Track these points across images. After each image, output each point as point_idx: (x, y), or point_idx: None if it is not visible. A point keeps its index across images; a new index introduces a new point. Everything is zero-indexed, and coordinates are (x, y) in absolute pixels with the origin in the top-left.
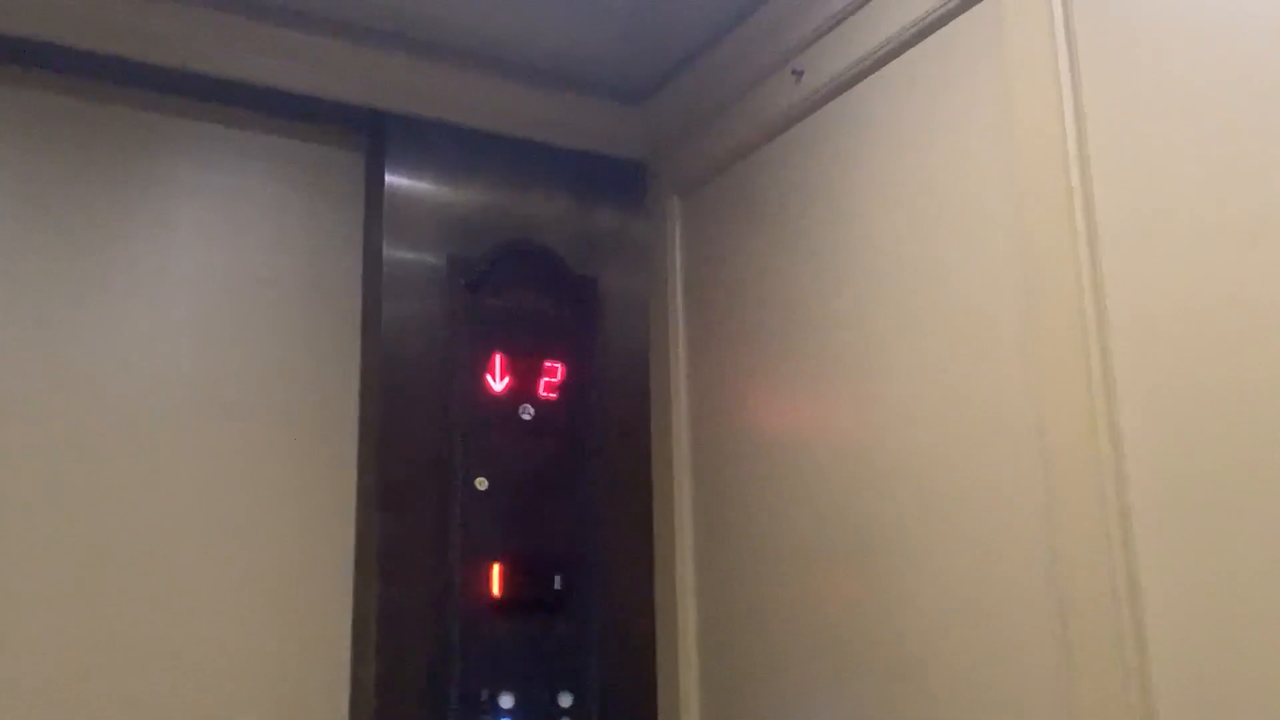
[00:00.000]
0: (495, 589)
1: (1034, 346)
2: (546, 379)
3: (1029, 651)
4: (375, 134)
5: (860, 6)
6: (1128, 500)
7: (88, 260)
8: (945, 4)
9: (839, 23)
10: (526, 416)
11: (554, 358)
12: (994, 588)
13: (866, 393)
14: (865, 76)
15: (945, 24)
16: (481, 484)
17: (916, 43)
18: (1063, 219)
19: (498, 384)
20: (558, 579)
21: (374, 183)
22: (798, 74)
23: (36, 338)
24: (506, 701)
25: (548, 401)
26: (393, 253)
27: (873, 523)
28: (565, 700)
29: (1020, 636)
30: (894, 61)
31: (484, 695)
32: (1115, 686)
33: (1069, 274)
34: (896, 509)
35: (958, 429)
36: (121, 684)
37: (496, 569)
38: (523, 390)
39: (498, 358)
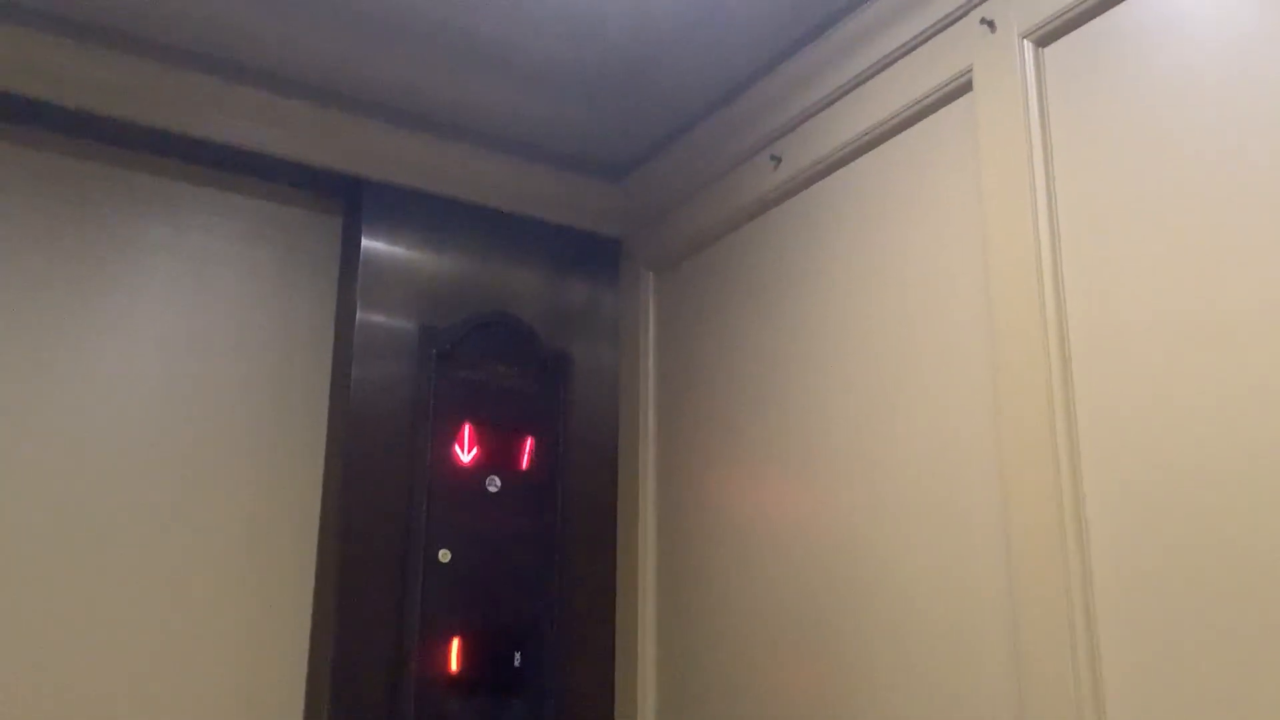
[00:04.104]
0: (453, 664)
1: (1003, 439)
2: (515, 452)
3: None
4: (353, 200)
5: (840, 98)
6: (1092, 597)
7: (57, 315)
8: (923, 99)
9: (818, 112)
10: (493, 489)
11: (523, 431)
12: (957, 678)
13: (834, 480)
14: (842, 165)
15: (923, 118)
16: (445, 556)
17: (894, 135)
18: (1032, 312)
19: (465, 455)
20: (517, 656)
21: (349, 248)
22: (776, 160)
23: (1, 391)
24: None
25: (515, 474)
26: (366, 318)
27: (837, 610)
28: None
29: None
30: (871, 152)
31: None
32: None
33: (1038, 366)
34: (861, 597)
35: (924, 521)
36: None
37: (455, 644)
38: (490, 462)
39: (466, 428)
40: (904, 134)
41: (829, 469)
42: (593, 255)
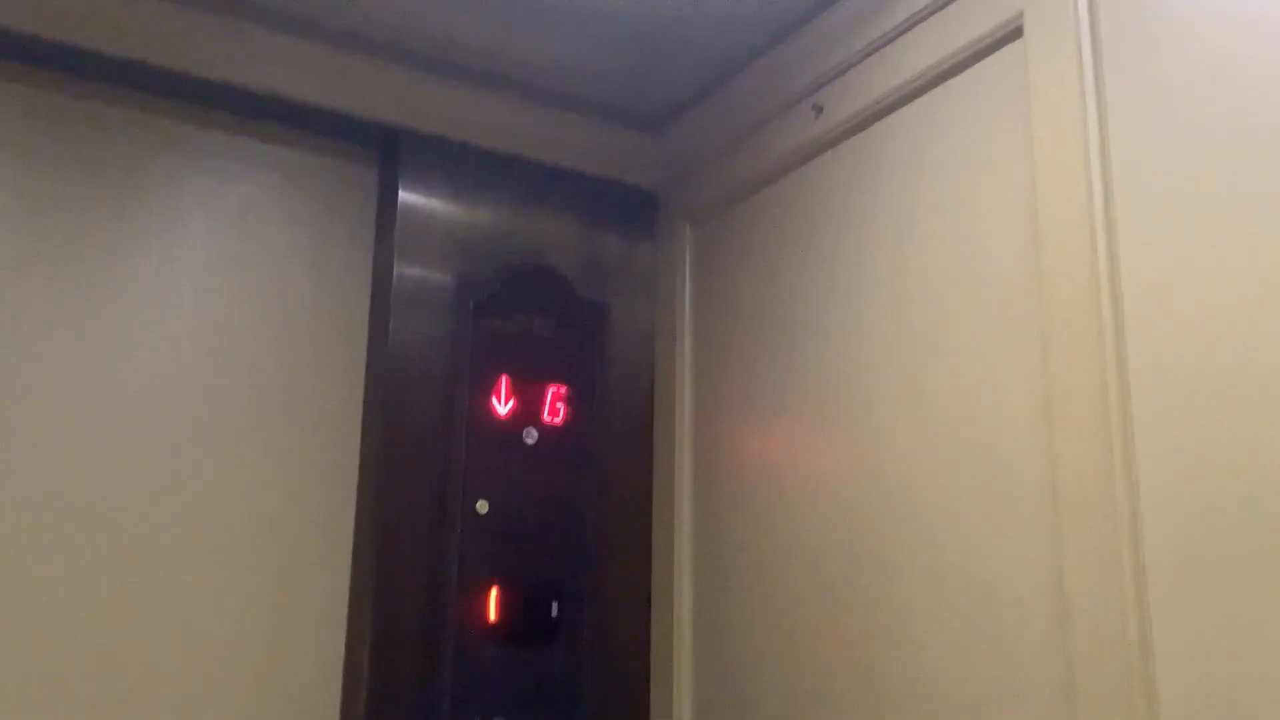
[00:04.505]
0: (491, 614)
1: (1050, 391)
2: (551, 404)
3: (1035, 699)
4: (389, 150)
5: (884, 45)
6: (1142, 552)
7: (96, 263)
8: (970, 46)
9: (862, 60)
10: (530, 441)
11: (560, 383)
12: (999, 634)
13: (875, 431)
14: (886, 114)
15: (970, 65)
16: (482, 507)
17: (940, 83)
18: (1084, 264)
19: (502, 407)
20: (554, 606)
21: (386, 199)
22: (817, 109)
23: (41, 340)
24: None
25: (552, 427)
26: (403, 269)
27: (876, 562)
28: None
29: (1027, 687)
30: (915, 101)
31: None
32: None
33: (1088, 317)
34: (901, 549)
35: (968, 471)
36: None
37: (493, 594)
38: (527, 414)
39: (503, 380)
40: (950, 82)
41: (868, 422)
42: (629, 207)
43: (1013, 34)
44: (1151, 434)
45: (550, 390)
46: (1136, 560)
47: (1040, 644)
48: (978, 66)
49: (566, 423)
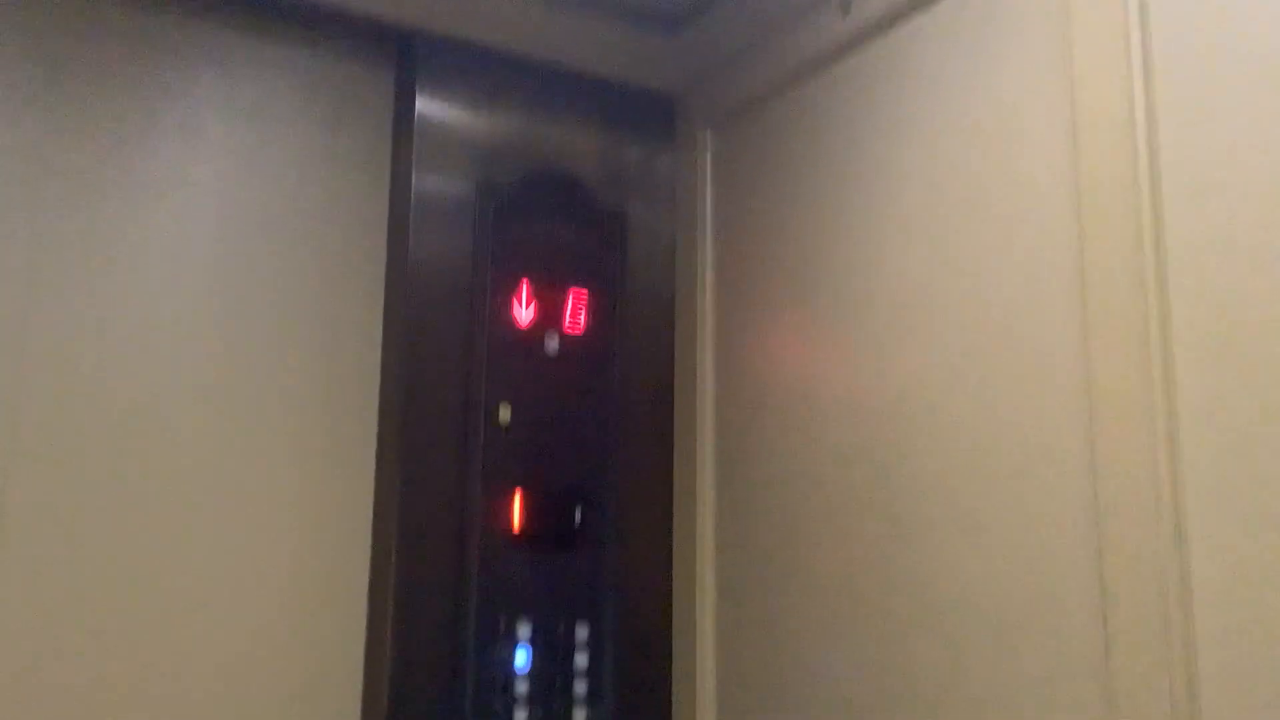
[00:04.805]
0: (515, 521)
1: (1086, 296)
2: (573, 311)
3: (1067, 609)
4: (405, 54)
5: None
6: (1179, 458)
7: (110, 162)
8: None
9: None
10: (551, 349)
11: (581, 290)
12: (1030, 538)
13: (903, 338)
14: (916, 11)
15: None
16: (504, 415)
17: None
18: (1123, 163)
19: (524, 314)
20: (578, 513)
21: (403, 105)
22: (845, 7)
23: (55, 238)
24: (524, 631)
25: (573, 334)
26: (421, 176)
27: (903, 470)
28: (582, 632)
29: (1058, 597)
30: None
31: (501, 624)
32: (1155, 649)
33: (1127, 223)
34: (929, 456)
35: (998, 375)
36: (117, 599)
37: (517, 501)
38: (549, 322)
39: (524, 288)
40: None
41: (895, 329)
42: (649, 113)
43: None
44: (1191, 336)
45: (571, 298)
46: (1173, 465)
47: (1072, 554)
48: None
49: (588, 330)
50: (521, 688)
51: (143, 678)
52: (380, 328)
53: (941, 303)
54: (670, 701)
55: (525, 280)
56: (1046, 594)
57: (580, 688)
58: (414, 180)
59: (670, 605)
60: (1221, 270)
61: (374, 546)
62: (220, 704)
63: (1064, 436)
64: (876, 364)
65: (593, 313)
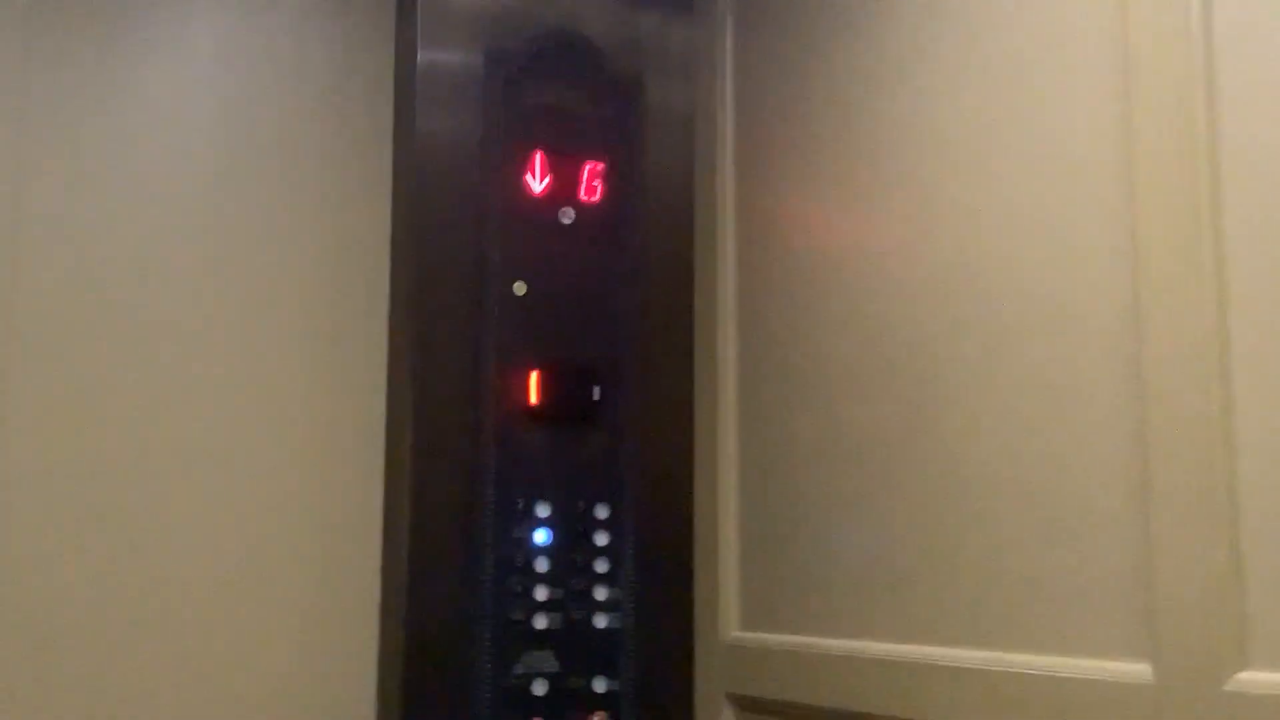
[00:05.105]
0: (531, 398)
1: (1133, 168)
2: (588, 182)
3: (1106, 477)
4: None
5: None
6: (1229, 341)
7: (109, 33)
8: None
9: None
10: (567, 220)
11: (597, 159)
12: (1064, 408)
13: (935, 211)
14: None
15: None
16: (520, 289)
17: None
18: (1178, 50)
19: (537, 185)
20: (596, 389)
21: None
22: None
23: (52, 113)
24: (543, 511)
25: (589, 205)
26: (428, 43)
27: (929, 339)
28: (602, 512)
29: (1096, 463)
30: None
31: (519, 504)
32: (1198, 519)
33: (1175, 72)
34: (958, 331)
35: (1032, 240)
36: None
37: (533, 377)
38: (563, 193)
39: (537, 157)
40: None
41: (926, 202)
42: None
43: None
44: (1241, 221)
45: (587, 168)
46: (1223, 350)
47: (1112, 426)
48: None
49: (604, 202)
50: (541, 566)
51: (156, 542)
52: (389, 204)
53: (981, 172)
54: (693, 577)
55: (538, 152)
56: (1084, 467)
57: (601, 566)
58: (420, 48)
59: (693, 481)
60: (1274, 138)
61: (388, 426)
62: (237, 580)
63: (1106, 307)
64: (906, 238)
65: (610, 184)
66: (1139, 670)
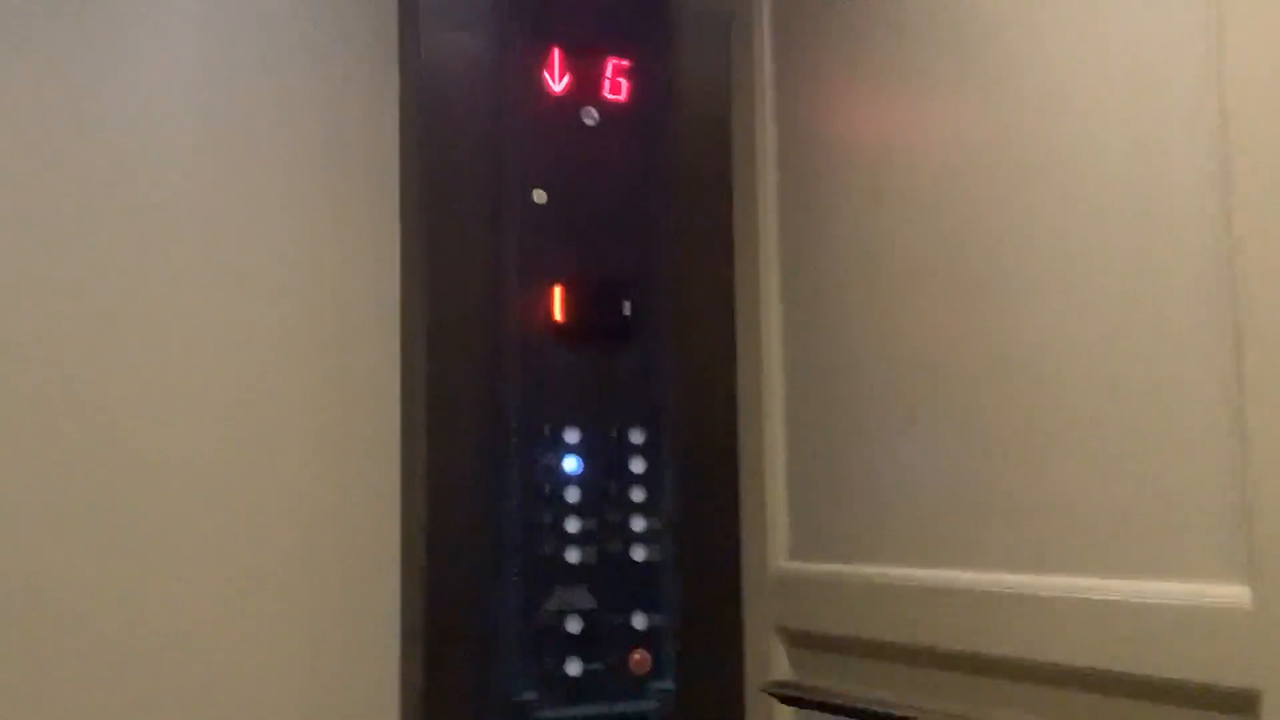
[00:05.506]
0: (556, 314)
1: (1222, 47)
2: (612, 80)
3: (1194, 386)
4: None
5: None
6: None
7: None
8: None
9: None
10: (590, 121)
11: (621, 54)
12: (1152, 315)
13: (997, 93)
14: None
15: None
16: (539, 197)
17: None
18: None
19: (556, 84)
20: (627, 304)
21: None
22: None
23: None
24: (572, 437)
25: (615, 104)
26: None
27: (999, 242)
28: (637, 436)
29: (1183, 370)
30: None
31: (546, 430)
32: None
33: None
34: (1031, 227)
35: (1117, 138)
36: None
37: (557, 292)
38: (585, 92)
39: (556, 53)
40: None
41: (991, 73)
42: None
43: None
44: None
45: (610, 63)
46: None
47: (1203, 348)
48: None
49: (631, 100)
50: (572, 497)
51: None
52: (397, 106)
53: (1064, 61)
54: (738, 504)
55: (556, 47)
56: (1175, 377)
57: (638, 495)
58: None
59: (735, 401)
60: None
61: (403, 349)
62: (250, 519)
63: (1196, 212)
64: (978, 128)
65: (636, 80)
66: (1236, 593)
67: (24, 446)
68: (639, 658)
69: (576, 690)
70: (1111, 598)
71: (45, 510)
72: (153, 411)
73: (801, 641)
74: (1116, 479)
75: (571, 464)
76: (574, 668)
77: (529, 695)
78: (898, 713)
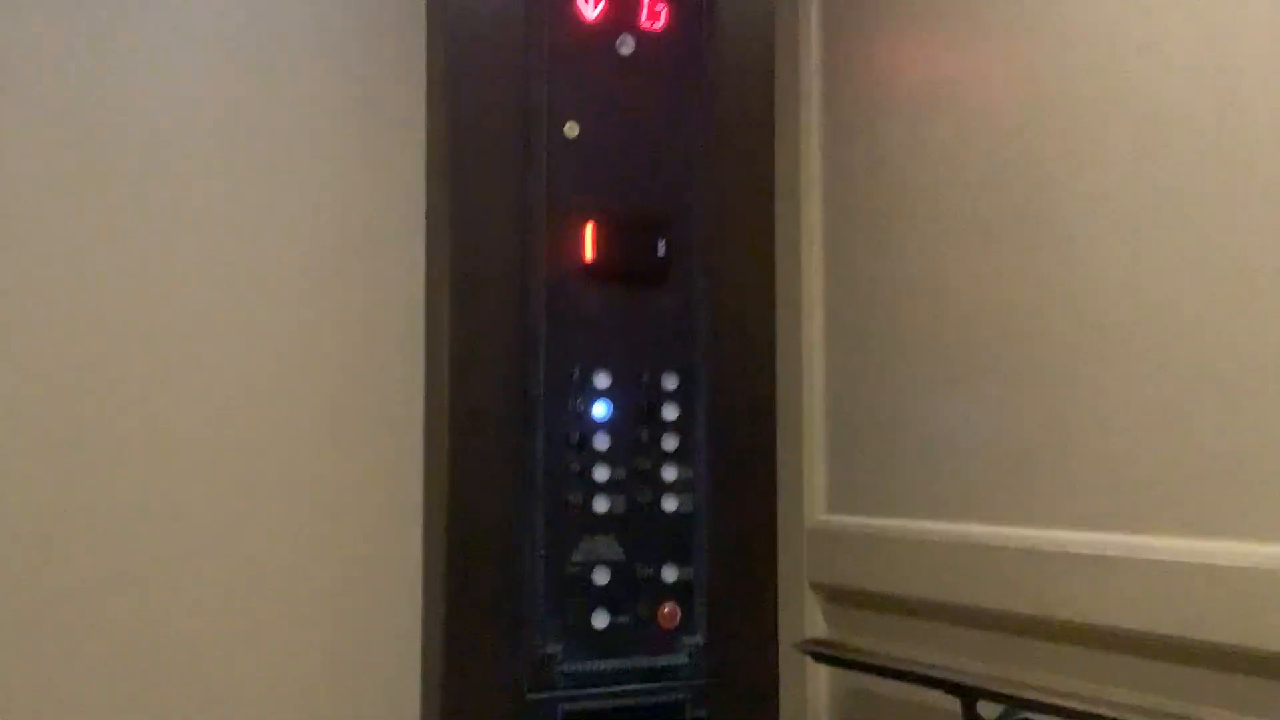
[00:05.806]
0: (587, 253)
1: None
2: (650, 6)
3: (1263, 335)
4: None
5: None
6: None
7: None
8: None
9: None
10: (625, 51)
11: None
12: (1225, 257)
13: (1059, 18)
14: None
15: None
16: (571, 130)
17: None
18: None
19: (590, 11)
20: (661, 244)
21: None
22: None
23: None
24: (602, 381)
25: (651, 33)
26: None
27: (1055, 184)
28: (670, 382)
29: (1255, 319)
30: None
31: (575, 374)
32: None
33: None
34: (1091, 164)
35: (1197, 73)
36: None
37: (589, 230)
38: (620, 19)
39: None
40: None
41: (1051, 13)
42: None
43: None
44: None
45: None
46: None
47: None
48: None
49: (668, 28)
50: (601, 444)
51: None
52: (423, 35)
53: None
54: (774, 455)
55: None
56: (1245, 320)
57: (670, 443)
58: None
59: (774, 346)
60: None
61: (427, 291)
62: (270, 466)
63: (1273, 131)
64: (1039, 61)
65: (674, 10)
66: None
67: (35, 438)
68: (668, 611)
69: (603, 643)
70: (1173, 558)
71: (59, 503)
72: (173, 307)
73: (838, 597)
74: (1182, 435)
75: (601, 409)
76: (600, 620)
77: (554, 648)
78: (937, 674)
